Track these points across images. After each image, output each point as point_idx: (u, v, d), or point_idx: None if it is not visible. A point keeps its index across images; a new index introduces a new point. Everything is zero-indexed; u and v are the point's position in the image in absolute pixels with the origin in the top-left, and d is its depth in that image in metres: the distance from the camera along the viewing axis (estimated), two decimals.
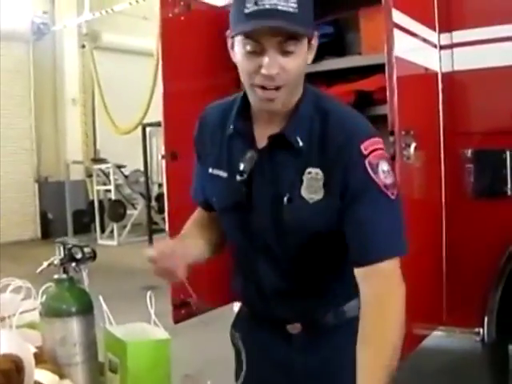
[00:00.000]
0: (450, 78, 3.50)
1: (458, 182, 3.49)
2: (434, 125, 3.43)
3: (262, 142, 1.68)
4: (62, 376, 1.51)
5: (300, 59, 1.54)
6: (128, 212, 13.25)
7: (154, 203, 12.83)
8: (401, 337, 1.53)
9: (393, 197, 1.59)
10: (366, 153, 1.56)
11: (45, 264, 1.68)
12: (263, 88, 1.55)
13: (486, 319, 3.31)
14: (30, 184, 14.28)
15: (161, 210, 12.29)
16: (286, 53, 1.51)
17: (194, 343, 2.22)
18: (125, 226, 13.18)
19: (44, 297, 1.68)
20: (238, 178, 1.66)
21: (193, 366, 1.95)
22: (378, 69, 3.31)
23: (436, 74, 3.48)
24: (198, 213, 1.96)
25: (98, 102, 13.85)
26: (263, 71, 1.51)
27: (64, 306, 1.62)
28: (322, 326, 1.78)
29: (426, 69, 3.41)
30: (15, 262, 2.39)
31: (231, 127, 1.71)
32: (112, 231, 13.18)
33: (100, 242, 12.99)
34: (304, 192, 1.61)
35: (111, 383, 1.81)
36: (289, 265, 1.74)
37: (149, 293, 1.86)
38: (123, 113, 12.36)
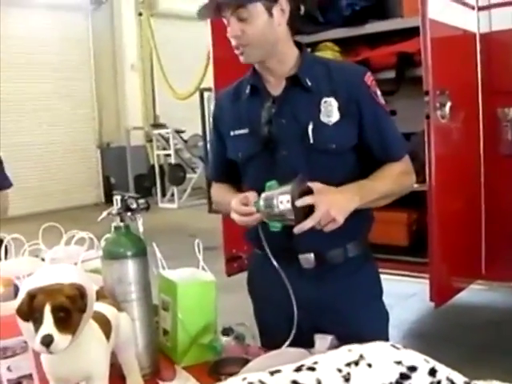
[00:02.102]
0: (488, 38, 3.58)
1: (496, 140, 3.59)
2: (471, 85, 3.52)
3: (276, 92, 2.08)
4: (119, 309, 1.74)
5: (256, 24, 1.96)
6: (188, 176, 13.50)
7: None
8: (397, 187, 2.07)
9: (387, 110, 2.12)
10: (369, 84, 2.05)
11: (104, 213, 1.90)
12: (236, 47, 2.02)
13: None
14: (92, 150, 14.69)
15: None
16: (241, 20, 1.95)
17: (244, 299, 2.45)
18: (185, 190, 13.43)
19: (103, 243, 1.91)
20: (263, 119, 2.05)
21: (241, 317, 2.17)
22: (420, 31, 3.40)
23: (474, 34, 3.56)
24: (221, 187, 2.34)
25: (156, 68, 14.08)
26: (228, 35, 2.00)
27: (121, 250, 1.83)
28: (329, 260, 2.09)
29: (464, 30, 3.49)
30: (80, 224, 2.60)
31: (248, 87, 2.13)
32: (172, 195, 13.48)
33: (161, 205, 13.31)
34: (323, 117, 2.01)
35: (164, 320, 2.06)
36: None
37: (197, 240, 2.08)
38: (181, 78, 12.57)
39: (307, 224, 1.79)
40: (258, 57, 2.04)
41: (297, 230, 1.81)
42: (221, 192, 2.29)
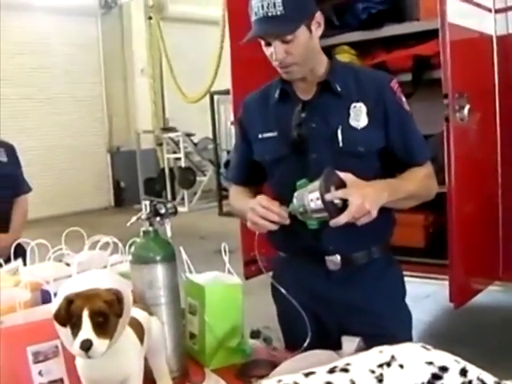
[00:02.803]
0: (505, 40, 3.59)
1: None
2: (488, 87, 3.54)
3: (306, 97, 2.13)
4: (150, 314, 1.76)
5: (300, 43, 1.99)
6: (198, 179, 13.52)
7: (223, 169, 13.07)
8: (421, 191, 2.12)
9: (412, 116, 2.14)
10: (394, 89, 2.10)
11: (134, 218, 1.93)
12: (280, 67, 2.06)
13: None
14: (102, 154, 14.72)
15: None
16: (285, 42, 1.98)
17: (263, 301, 2.47)
18: (195, 193, 13.46)
19: (133, 248, 1.93)
20: (293, 123, 2.09)
21: (261, 319, 2.20)
22: (436, 34, 3.41)
23: (491, 37, 3.58)
24: (241, 191, 2.36)
25: (165, 72, 14.09)
26: (273, 58, 2.02)
27: (150, 255, 1.86)
28: (355, 262, 2.14)
29: (481, 33, 3.50)
30: (92, 229, 2.61)
31: (277, 92, 2.17)
32: (183, 198, 13.46)
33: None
34: (352, 122, 2.07)
35: (191, 324, 2.08)
36: None
37: (223, 244, 2.10)
38: (191, 81, 12.57)
39: (342, 219, 1.82)
40: (302, 73, 2.09)
41: (333, 223, 1.83)
42: (242, 196, 2.30)
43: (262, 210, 1.95)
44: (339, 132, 2.06)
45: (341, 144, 2.06)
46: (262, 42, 2.04)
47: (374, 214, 1.85)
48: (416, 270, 4.01)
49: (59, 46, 13.30)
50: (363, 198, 1.83)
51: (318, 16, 2.04)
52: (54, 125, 13.42)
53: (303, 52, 2.01)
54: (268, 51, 2.04)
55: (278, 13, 1.92)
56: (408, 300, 2.31)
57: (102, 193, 14.65)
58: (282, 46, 1.98)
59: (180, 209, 11.66)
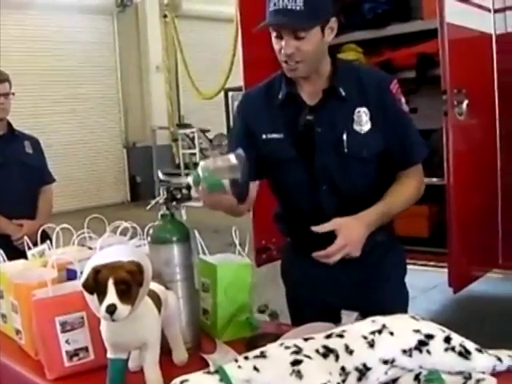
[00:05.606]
0: (504, 38, 3.72)
1: None
2: (488, 83, 3.65)
3: (311, 102, 2.19)
4: (167, 288, 1.94)
5: (312, 42, 2.03)
6: None
7: None
8: (408, 205, 2.23)
9: (410, 117, 2.25)
10: (394, 91, 2.18)
11: (152, 202, 2.11)
12: (286, 62, 2.09)
13: None
14: (118, 150, 14.87)
15: None
16: (298, 38, 2.01)
17: (273, 288, 2.61)
18: None
19: (151, 230, 2.11)
20: (300, 127, 2.16)
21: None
22: None
23: (490, 36, 3.70)
24: None
25: (180, 69, 14.24)
26: (282, 51, 2.06)
27: (167, 235, 2.03)
28: None
29: (480, 32, 3.63)
30: (110, 222, 2.74)
31: (282, 94, 2.21)
32: None
33: (186, 203, 13.40)
34: (356, 126, 2.14)
35: (204, 301, 2.24)
36: (347, 190, 2.20)
37: (234, 227, 2.26)
38: (206, 78, 12.71)
39: (321, 254, 2.04)
40: (307, 72, 2.13)
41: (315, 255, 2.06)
42: None
43: None
44: (344, 137, 2.13)
45: (346, 149, 2.14)
46: (273, 34, 2.07)
47: (357, 254, 2.05)
48: (421, 259, 4.16)
49: (76, 44, 13.45)
50: (347, 241, 2.01)
51: (333, 22, 2.07)
52: (71, 122, 13.57)
53: (312, 52, 2.05)
54: (277, 45, 2.06)
55: (298, 8, 1.95)
56: (416, 290, 2.46)
57: (118, 188, 14.80)
58: (293, 42, 2.01)
59: (195, 204, 11.72)
